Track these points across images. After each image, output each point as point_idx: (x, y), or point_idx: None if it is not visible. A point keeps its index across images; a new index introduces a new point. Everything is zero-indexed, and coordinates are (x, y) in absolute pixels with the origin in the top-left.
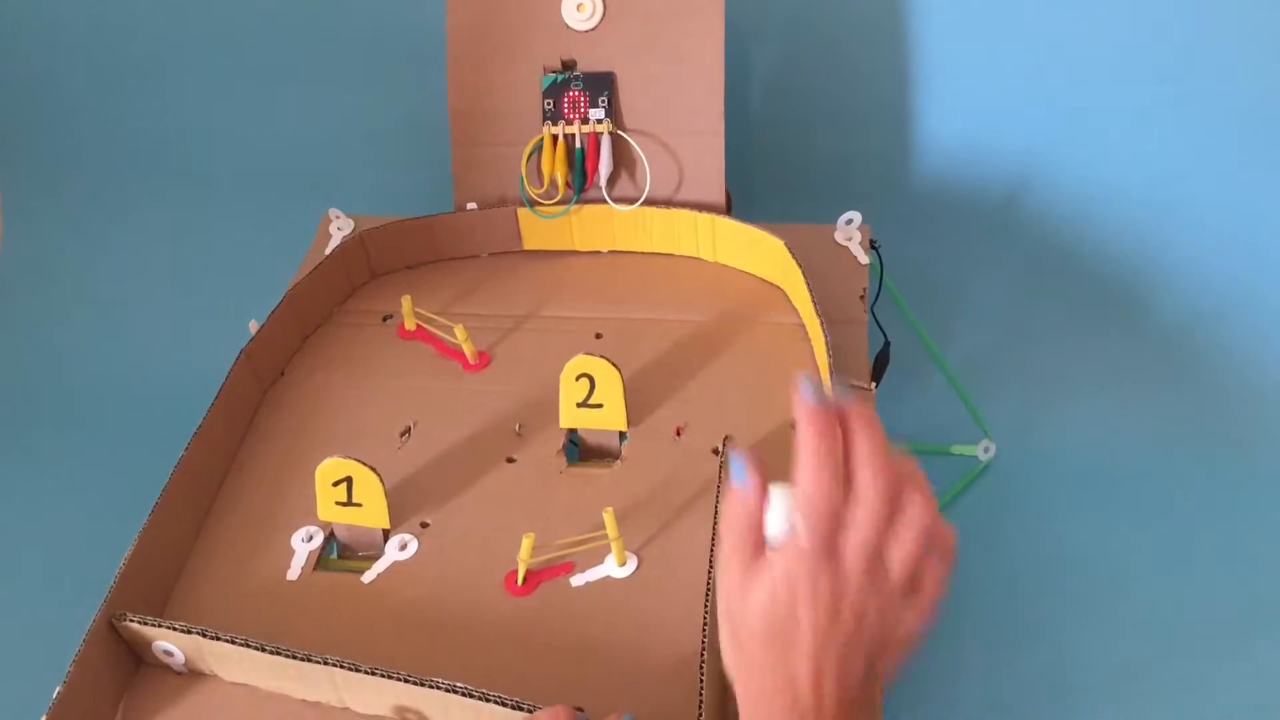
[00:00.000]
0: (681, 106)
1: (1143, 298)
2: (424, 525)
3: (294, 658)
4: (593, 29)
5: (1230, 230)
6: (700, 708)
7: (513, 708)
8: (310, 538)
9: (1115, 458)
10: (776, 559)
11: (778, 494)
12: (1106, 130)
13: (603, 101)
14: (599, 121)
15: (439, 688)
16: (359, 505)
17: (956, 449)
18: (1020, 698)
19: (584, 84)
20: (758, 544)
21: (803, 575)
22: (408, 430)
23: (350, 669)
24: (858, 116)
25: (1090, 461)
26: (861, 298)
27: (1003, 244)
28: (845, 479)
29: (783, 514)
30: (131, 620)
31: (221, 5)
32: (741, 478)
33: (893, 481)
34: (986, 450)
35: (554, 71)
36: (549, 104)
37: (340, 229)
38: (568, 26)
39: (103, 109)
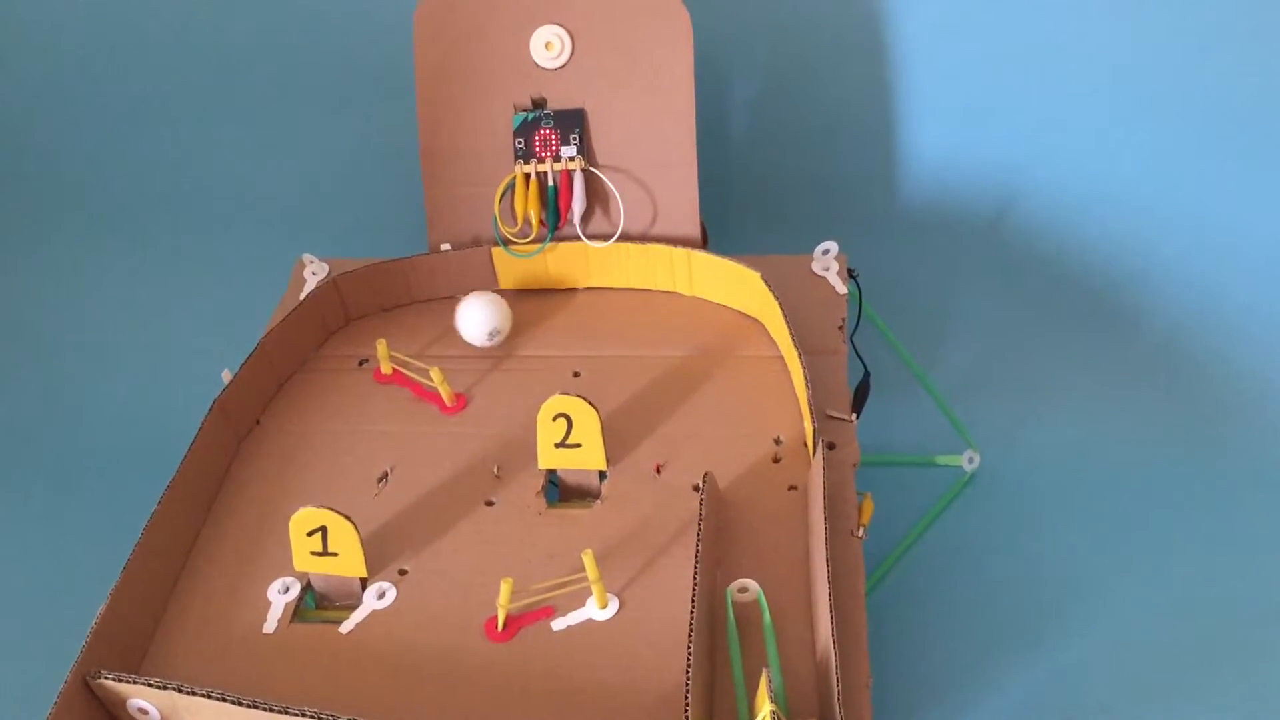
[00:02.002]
0: (653, 140)
1: (1126, 306)
2: (402, 572)
3: (271, 710)
4: (561, 66)
5: (1212, 235)
6: None
7: None
8: (287, 589)
9: (1100, 466)
10: None
11: None
12: (1086, 141)
13: (574, 139)
14: (571, 159)
15: None
16: (335, 555)
17: (942, 459)
18: (1007, 706)
19: (555, 121)
20: None
21: None
22: (385, 476)
23: None
24: (837, 140)
25: (1075, 470)
26: (840, 328)
27: (985, 258)
28: None
29: None
30: (106, 678)
31: (197, 47)
32: None
33: None
34: (971, 461)
35: (524, 110)
36: (520, 143)
37: (315, 273)
38: (537, 65)
39: (80, 155)
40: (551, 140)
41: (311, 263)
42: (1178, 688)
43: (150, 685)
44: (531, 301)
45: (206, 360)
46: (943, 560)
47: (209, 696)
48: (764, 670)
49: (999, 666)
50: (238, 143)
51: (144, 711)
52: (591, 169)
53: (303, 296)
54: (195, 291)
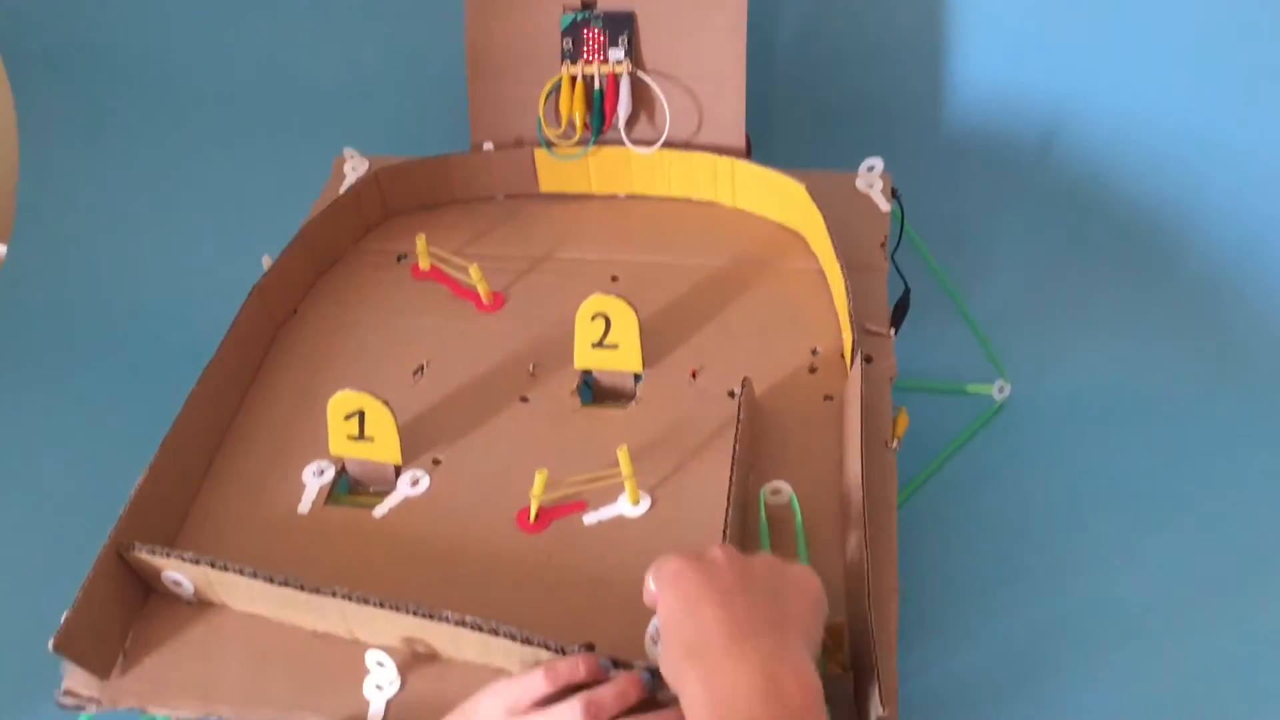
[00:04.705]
0: (702, 47)
1: (1170, 241)
2: (436, 462)
3: (303, 589)
4: None
5: (1260, 171)
6: None
7: (522, 642)
8: (321, 472)
9: (1133, 400)
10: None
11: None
12: (1136, 73)
13: (622, 41)
14: (618, 62)
15: (448, 620)
16: (371, 440)
17: (972, 388)
18: (1034, 636)
19: (604, 23)
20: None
21: (685, 566)
22: (421, 369)
23: (360, 601)
24: (885, 61)
25: (1108, 403)
26: (882, 245)
27: (1030, 188)
28: None
29: None
30: (140, 550)
31: None
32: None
33: None
34: (1001, 390)
35: (573, 10)
36: (568, 43)
37: (355, 169)
38: None
39: (121, 51)
40: (600, 42)
41: (352, 158)
42: (1208, 616)
43: (184, 559)
44: (572, 206)
45: (246, 254)
46: (969, 486)
47: (241, 573)
48: None
49: (1025, 595)
50: (281, 37)
51: (178, 584)
52: (639, 73)
53: (342, 191)
54: (236, 186)
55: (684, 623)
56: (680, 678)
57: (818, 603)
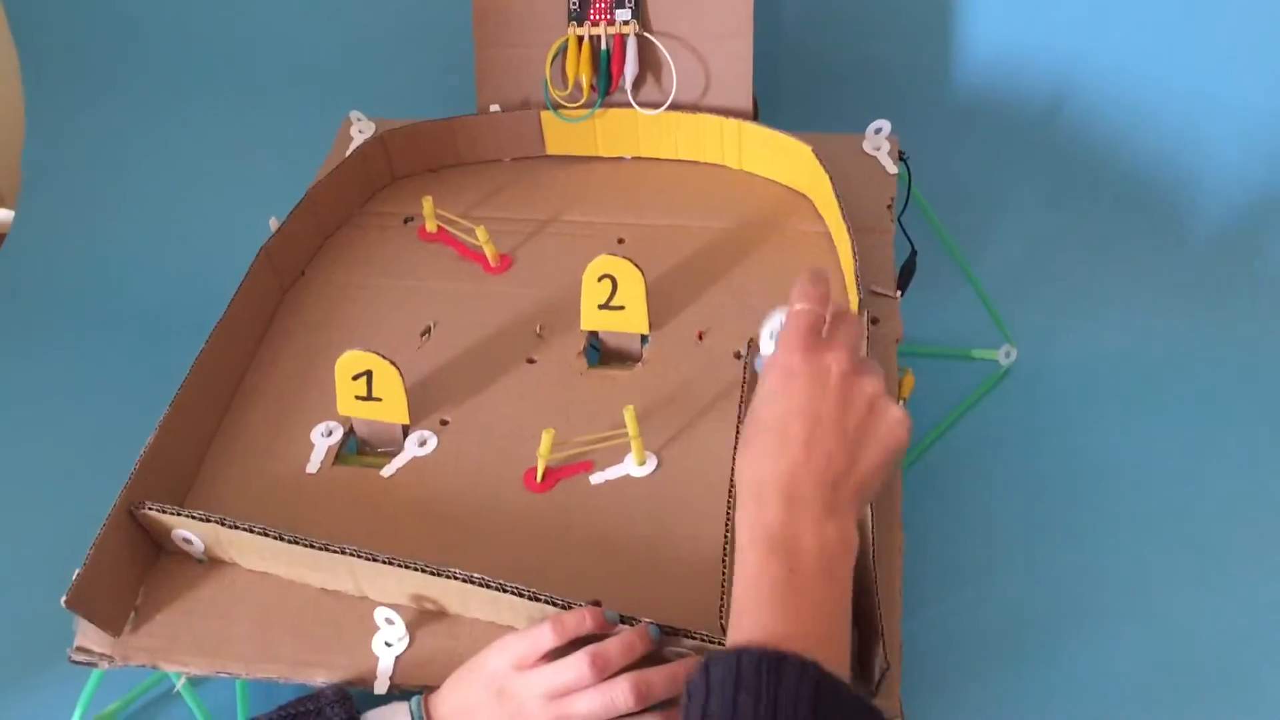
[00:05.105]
0: (709, 8)
1: (1177, 210)
2: (443, 423)
3: (312, 547)
4: None
5: (1269, 140)
6: (722, 605)
7: (529, 599)
8: (330, 432)
9: (1140, 366)
10: (773, 360)
11: (775, 317)
12: (1144, 38)
13: (629, 2)
14: (625, 23)
15: (456, 578)
16: (379, 400)
17: (977, 353)
18: (1039, 600)
19: None
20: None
21: (797, 368)
22: (428, 330)
23: (368, 559)
24: (894, 20)
25: (1114, 369)
26: (889, 207)
27: (1038, 153)
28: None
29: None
30: (150, 509)
31: None
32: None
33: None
34: (1008, 355)
35: None
36: (574, 4)
37: (362, 131)
38: None
39: (126, 17)
40: (607, 3)
41: (359, 120)
42: (1216, 582)
43: (194, 517)
44: (579, 168)
45: (253, 217)
46: (975, 451)
47: (251, 531)
48: None
49: (1032, 559)
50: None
51: (188, 542)
52: (646, 34)
53: (349, 153)
54: (243, 150)
55: (768, 423)
56: (738, 475)
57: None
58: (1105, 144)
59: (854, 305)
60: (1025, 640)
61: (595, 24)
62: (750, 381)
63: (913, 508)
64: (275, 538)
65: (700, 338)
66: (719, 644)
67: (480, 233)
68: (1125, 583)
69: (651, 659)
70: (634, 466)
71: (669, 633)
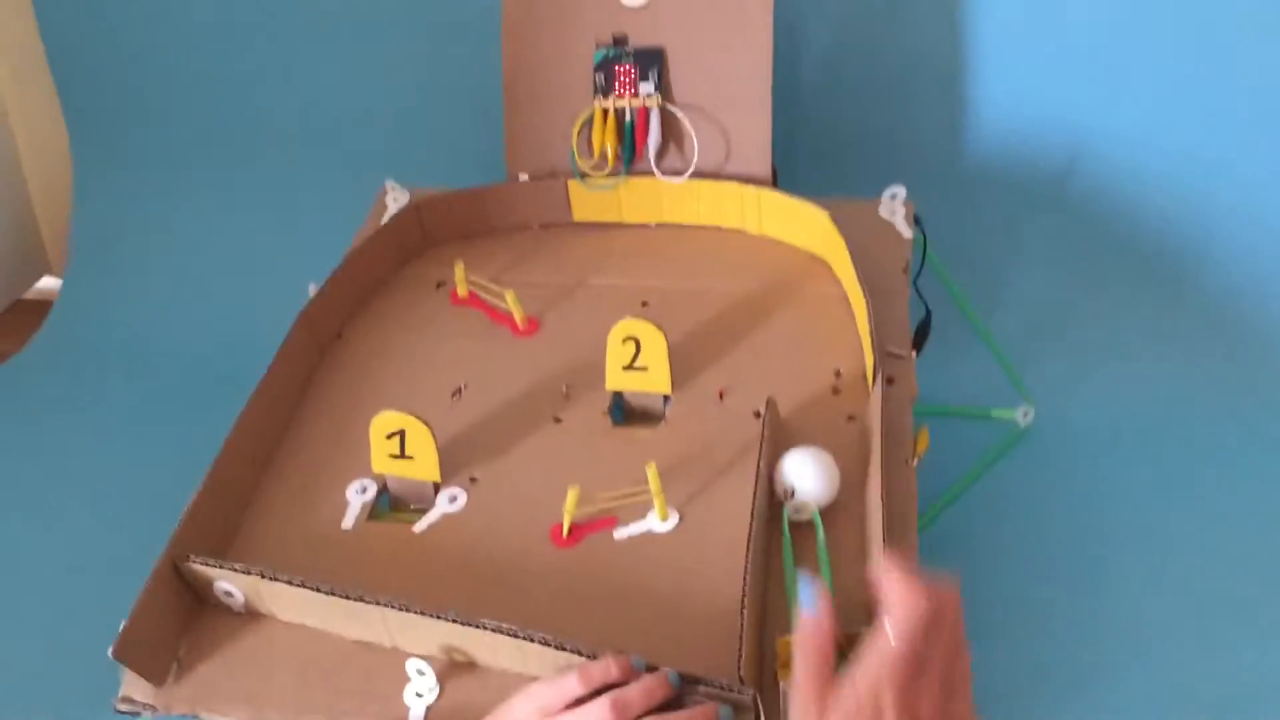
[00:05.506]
0: (730, 82)
1: (1188, 269)
2: (473, 480)
3: (347, 598)
4: (644, 5)
5: (1276, 200)
6: (740, 657)
7: (556, 648)
8: (364, 490)
9: (1155, 425)
10: (860, 675)
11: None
12: (1154, 102)
13: (652, 76)
14: (648, 95)
15: (486, 628)
16: (411, 458)
17: (995, 413)
18: (1056, 661)
19: (635, 59)
20: (830, 668)
21: (887, 681)
22: (459, 391)
23: (401, 609)
24: (907, 87)
25: (1130, 428)
26: (904, 270)
27: (1049, 213)
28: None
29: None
30: (195, 561)
31: None
32: (810, 605)
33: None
34: (1025, 415)
35: (606, 46)
36: (600, 78)
37: (396, 200)
38: (620, 3)
39: (169, 80)
40: (631, 77)
41: (394, 189)
42: (1231, 643)
43: (235, 570)
44: (604, 234)
45: (292, 283)
46: (994, 512)
47: (290, 583)
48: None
49: (1046, 620)
50: (323, 73)
51: (229, 594)
52: (668, 106)
53: (384, 221)
54: (280, 219)
55: None
56: None
57: None
58: (1114, 204)
59: (870, 366)
60: (1042, 700)
61: (620, 97)
62: (768, 441)
63: (929, 569)
64: (313, 590)
65: (721, 397)
66: (736, 692)
67: (509, 297)
68: (1146, 642)
69: (671, 705)
70: (657, 522)
71: (688, 680)
